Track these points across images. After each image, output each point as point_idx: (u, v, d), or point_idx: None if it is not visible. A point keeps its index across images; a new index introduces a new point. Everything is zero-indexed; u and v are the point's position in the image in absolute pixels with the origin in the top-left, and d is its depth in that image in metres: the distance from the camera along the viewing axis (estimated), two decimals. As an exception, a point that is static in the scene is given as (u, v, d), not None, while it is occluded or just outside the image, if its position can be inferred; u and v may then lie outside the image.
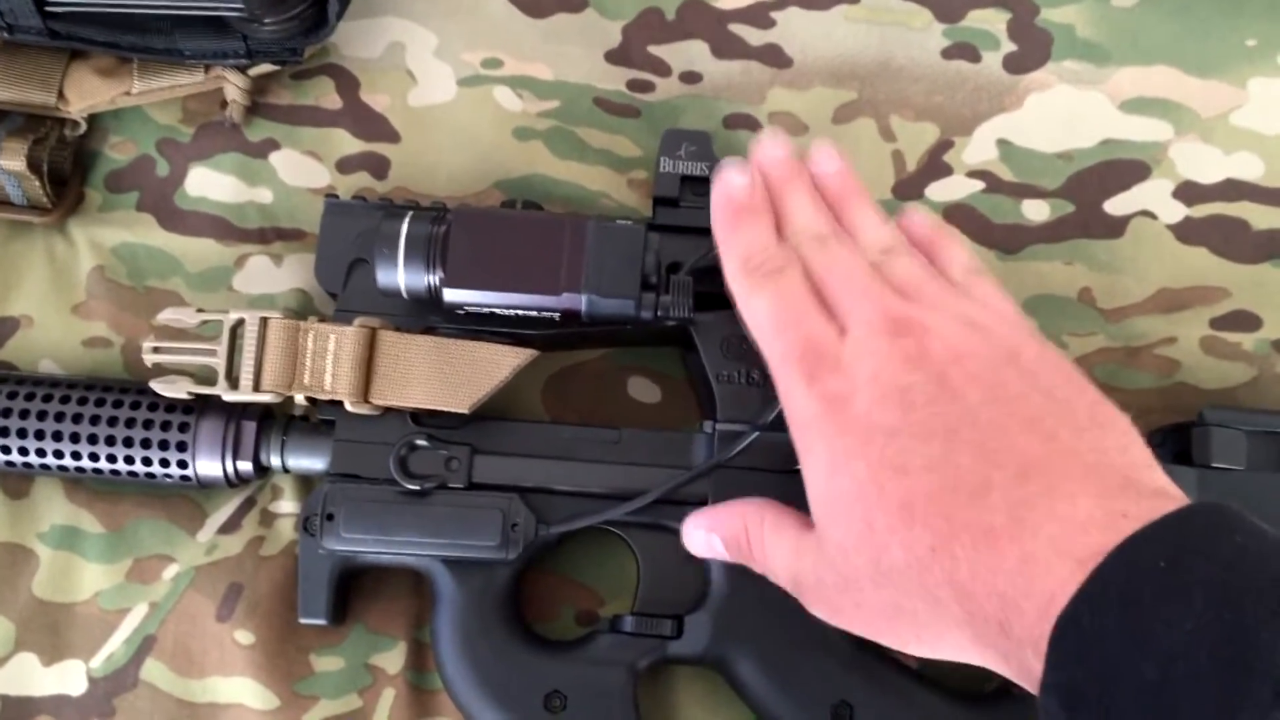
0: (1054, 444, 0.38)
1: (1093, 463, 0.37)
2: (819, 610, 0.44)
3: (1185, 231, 0.57)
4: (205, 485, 0.52)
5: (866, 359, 0.41)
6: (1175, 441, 0.53)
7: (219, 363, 0.51)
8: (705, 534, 0.48)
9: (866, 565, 0.40)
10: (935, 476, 0.38)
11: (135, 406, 0.51)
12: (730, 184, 0.47)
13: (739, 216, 0.47)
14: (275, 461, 0.52)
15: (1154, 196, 0.58)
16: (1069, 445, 0.38)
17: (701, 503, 0.50)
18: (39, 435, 0.51)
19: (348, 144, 0.58)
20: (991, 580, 0.36)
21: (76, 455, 0.51)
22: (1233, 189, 0.58)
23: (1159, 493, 0.37)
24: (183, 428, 0.51)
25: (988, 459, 0.38)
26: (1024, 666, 0.36)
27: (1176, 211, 0.58)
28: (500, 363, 0.50)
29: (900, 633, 0.41)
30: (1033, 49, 0.59)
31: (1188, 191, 0.58)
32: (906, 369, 0.41)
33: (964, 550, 0.37)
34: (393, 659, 0.54)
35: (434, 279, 0.49)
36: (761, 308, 0.44)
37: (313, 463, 0.52)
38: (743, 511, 0.46)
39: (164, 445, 0.51)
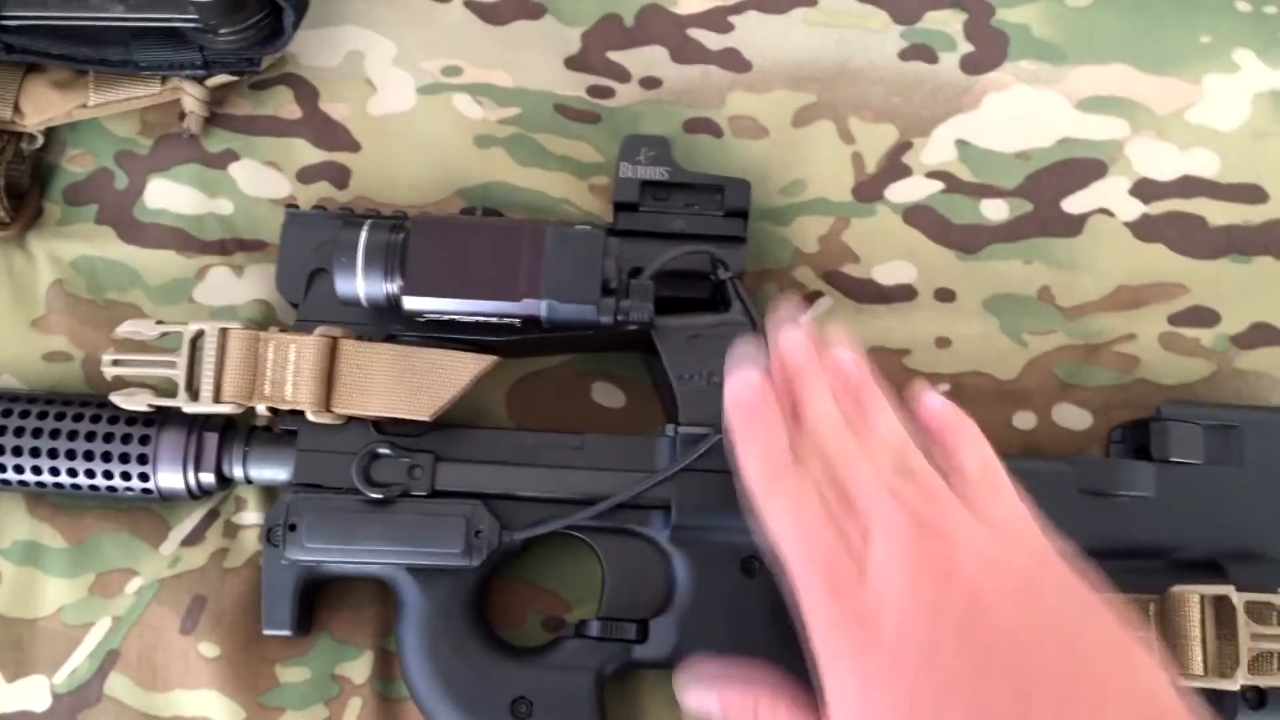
0: (1087, 666, 0.38)
1: (1126, 685, 0.37)
2: None
3: (1143, 229, 0.58)
4: (167, 498, 0.52)
5: (895, 574, 0.40)
6: (1135, 437, 0.53)
7: (179, 374, 0.51)
8: (704, 693, 0.46)
9: None
10: (971, 705, 0.37)
11: (95, 420, 0.51)
12: (746, 381, 0.46)
13: (754, 414, 0.45)
14: (238, 473, 0.52)
15: (1111, 194, 0.58)
16: (1101, 666, 0.38)
17: (665, 507, 0.50)
18: (-1, 450, 0.51)
19: (308, 154, 0.58)
20: None
21: (37, 470, 0.51)
22: (1189, 185, 0.58)
23: (1185, 714, 0.37)
24: (144, 440, 0.51)
25: (1025, 682, 0.37)
26: None
27: (1134, 209, 0.58)
28: (461, 370, 0.50)
29: None
30: (989, 49, 0.59)
31: (1144, 189, 0.58)
32: (935, 584, 0.39)
33: None
34: (359, 668, 0.54)
35: (393, 287, 0.49)
36: (783, 508, 0.43)
37: (275, 473, 0.52)
38: (754, 694, 0.44)
39: (125, 458, 0.51)
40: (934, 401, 0.47)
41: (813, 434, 0.44)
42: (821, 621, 0.41)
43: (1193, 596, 0.48)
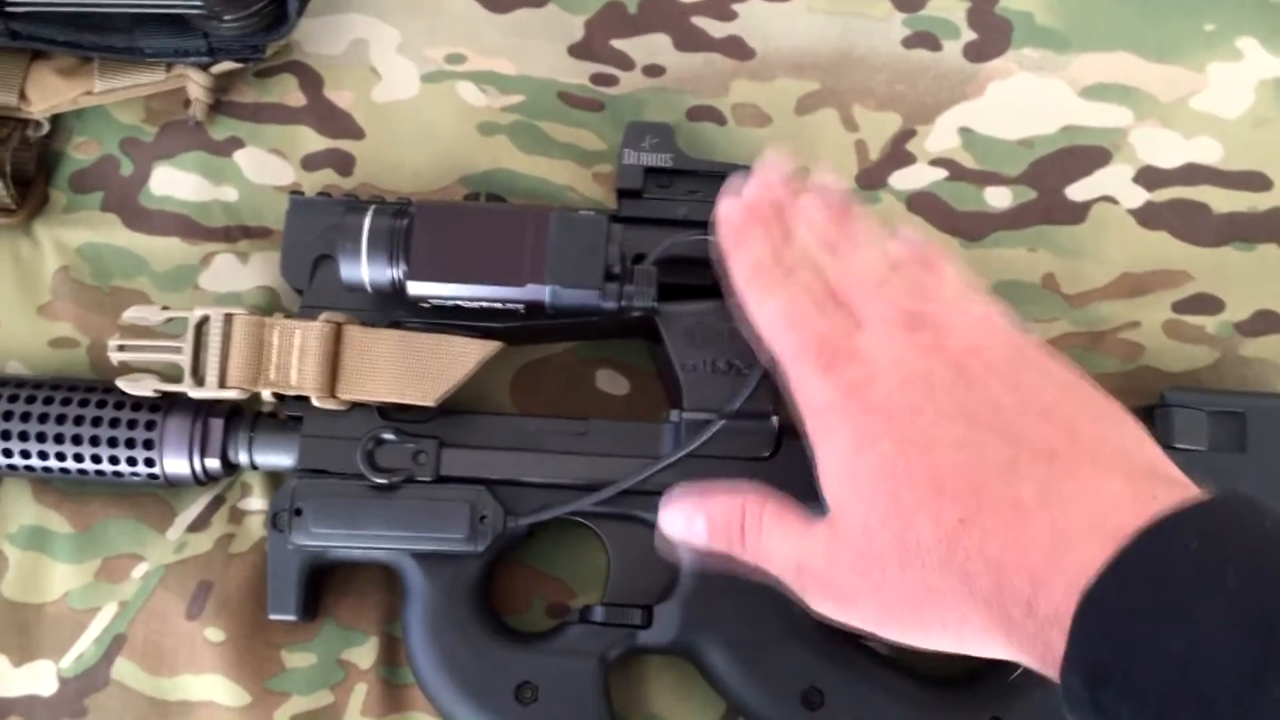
0: (1075, 431, 0.39)
1: (1115, 449, 0.38)
2: (827, 602, 0.42)
3: (1146, 216, 0.58)
4: (173, 483, 0.52)
5: (885, 348, 0.42)
6: (1138, 423, 0.53)
7: (185, 360, 0.51)
8: (688, 514, 0.46)
9: (892, 542, 0.39)
10: (962, 453, 0.38)
11: (101, 405, 0.51)
12: (733, 201, 0.48)
13: (746, 226, 0.47)
14: (243, 458, 0.52)
15: (1115, 182, 0.58)
16: (1090, 433, 0.39)
17: (669, 492, 0.50)
18: (5, 436, 0.51)
19: (312, 141, 0.58)
20: (1023, 555, 0.36)
21: (44, 455, 0.51)
22: (1193, 173, 0.58)
23: (1183, 483, 0.37)
24: (149, 426, 0.51)
25: (1013, 440, 0.38)
26: (1048, 648, 0.35)
27: (1137, 196, 0.58)
28: (466, 355, 0.51)
29: (925, 617, 0.40)
30: (993, 37, 0.59)
31: (1148, 176, 0.58)
32: (925, 357, 0.41)
33: (994, 524, 0.37)
34: (364, 654, 0.54)
35: (398, 272, 0.49)
36: (774, 307, 0.45)
37: (281, 459, 0.52)
38: (741, 497, 0.45)
39: (131, 444, 0.51)
40: (909, 231, 0.48)
41: (801, 247, 0.47)
42: (813, 396, 0.43)
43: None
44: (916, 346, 0.42)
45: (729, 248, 0.47)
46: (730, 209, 0.48)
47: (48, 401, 0.51)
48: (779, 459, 0.50)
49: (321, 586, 0.53)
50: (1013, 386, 0.40)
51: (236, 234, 0.57)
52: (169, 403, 0.52)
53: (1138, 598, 0.33)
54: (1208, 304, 0.57)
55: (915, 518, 0.38)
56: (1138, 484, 0.36)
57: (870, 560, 0.40)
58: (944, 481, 0.38)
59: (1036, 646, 0.36)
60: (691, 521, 0.46)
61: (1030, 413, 0.39)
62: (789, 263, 0.46)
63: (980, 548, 0.37)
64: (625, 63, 0.59)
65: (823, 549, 0.42)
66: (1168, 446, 0.51)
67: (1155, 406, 0.52)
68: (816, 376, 0.42)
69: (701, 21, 0.59)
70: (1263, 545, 0.33)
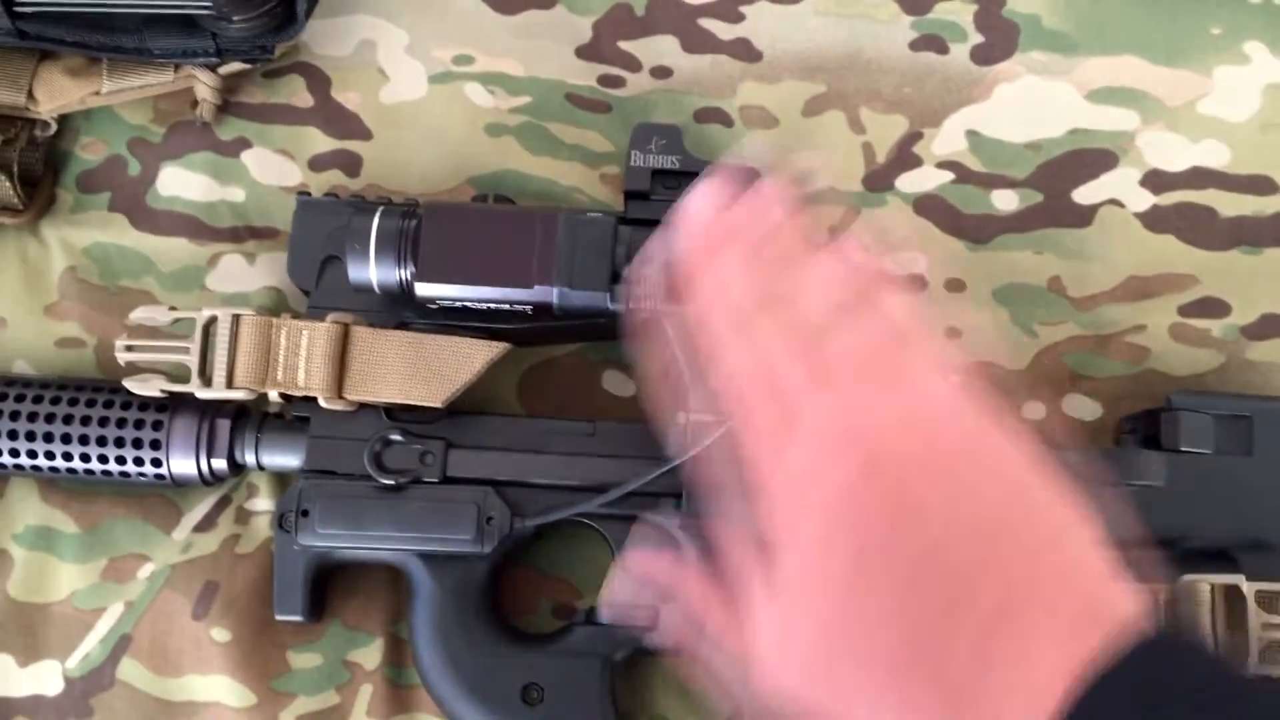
0: (1014, 562, 0.36)
1: (1053, 592, 0.35)
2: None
3: (1153, 220, 0.58)
4: (180, 484, 0.52)
5: (812, 480, 0.38)
6: (1145, 427, 0.53)
7: (192, 360, 0.51)
8: (637, 581, 0.45)
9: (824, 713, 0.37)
10: (900, 623, 0.36)
11: (109, 405, 0.51)
12: (710, 197, 0.44)
13: (720, 244, 0.42)
14: (250, 459, 0.52)
15: (1122, 185, 0.58)
16: (1028, 575, 0.36)
17: (676, 495, 0.50)
18: (12, 436, 0.51)
19: (320, 142, 0.58)
20: None
21: (50, 455, 0.51)
22: (1200, 177, 0.58)
23: (1115, 619, 0.35)
24: (156, 426, 0.51)
25: (951, 603, 0.35)
26: None
27: (1144, 200, 0.58)
28: (473, 357, 0.51)
29: None
30: (1000, 40, 0.59)
31: (1155, 180, 0.58)
32: (858, 484, 0.37)
33: (930, 705, 0.35)
34: (370, 655, 0.54)
35: (406, 273, 0.49)
36: (737, 366, 0.41)
37: (287, 459, 0.52)
38: (687, 604, 0.43)
39: (138, 444, 0.51)
40: (860, 247, 0.43)
41: (737, 300, 0.41)
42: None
43: (1203, 586, 0.48)
44: (847, 473, 0.37)
45: (696, 261, 0.42)
46: (702, 211, 0.43)
47: (54, 401, 0.51)
48: None
49: (327, 587, 0.54)
50: (950, 514, 0.36)
51: (244, 234, 0.58)
52: (176, 403, 0.52)
53: None
54: (1214, 307, 0.57)
55: (850, 697, 0.37)
56: (1076, 642, 0.34)
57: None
58: (878, 660, 0.36)
59: None
60: (640, 589, 0.45)
61: (970, 551, 0.36)
62: (751, 316, 0.41)
63: None
64: (633, 64, 0.59)
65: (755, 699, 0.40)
66: (1174, 450, 0.51)
67: (1162, 410, 0.52)
68: (759, 469, 0.39)
69: (709, 23, 0.59)
70: (1195, 702, 0.33)
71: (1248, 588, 0.47)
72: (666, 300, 0.44)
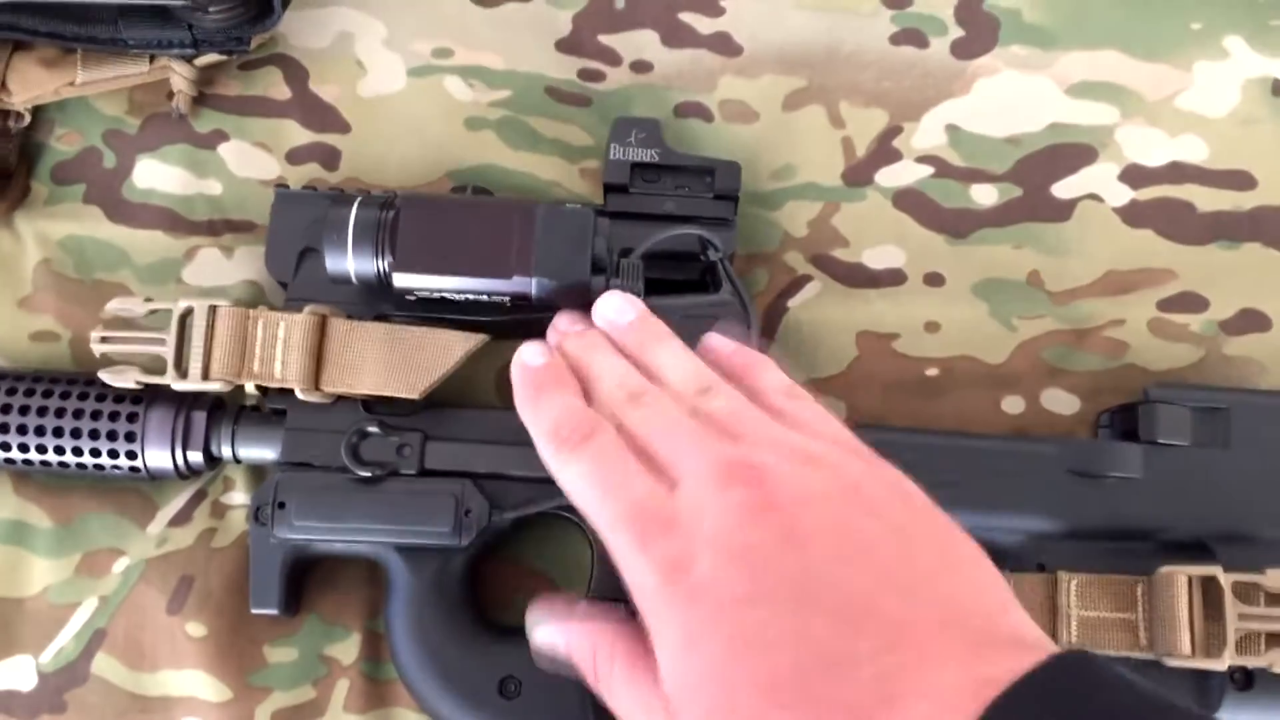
0: (912, 600, 0.35)
1: (951, 617, 0.35)
2: None
3: (1132, 214, 0.58)
4: (155, 477, 0.52)
5: (703, 516, 0.37)
6: (1123, 421, 0.53)
7: (168, 352, 0.50)
8: (551, 634, 0.44)
9: None
10: (798, 651, 0.35)
11: (83, 397, 0.51)
12: (527, 359, 0.45)
13: (540, 389, 0.44)
14: (226, 452, 0.52)
15: (1101, 180, 0.58)
16: (926, 598, 0.36)
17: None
18: (-14, 428, 0.51)
19: (297, 135, 0.58)
20: None
21: (24, 448, 0.51)
22: (1178, 172, 0.58)
23: (1018, 643, 0.35)
24: (131, 418, 0.51)
25: (848, 626, 0.35)
26: None
27: (1123, 194, 0.58)
28: (451, 348, 0.50)
29: None
30: (980, 34, 0.59)
31: (1134, 174, 0.58)
32: (748, 522, 0.37)
33: None
34: (347, 649, 0.54)
35: (383, 264, 0.49)
36: (580, 475, 0.40)
37: (264, 452, 0.51)
38: (594, 637, 0.42)
39: (113, 436, 0.51)
40: (717, 341, 0.46)
41: (603, 400, 0.43)
42: (635, 577, 0.38)
43: (1180, 577, 0.48)
44: (735, 509, 0.37)
45: (526, 415, 0.43)
46: (521, 371, 0.45)
47: (28, 394, 0.51)
48: None
49: (304, 581, 0.53)
50: (844, 551, 0.36)
51: (220, 228, 0.57)
52: (151, 395, 0.51)
53: None
54: (1192, 302, 0.57)
55: None
56: (974, 667, 0.33)
57: None
58: (781, 688, 0.35)
59: None
60: (554, 643, 0.44)
61: (864, 584, 0.36)
62: (590, 422, 0.41)
63: None
64: (613, 58, 0.59)
65: None
66: (1151, 442, 0.51)
67: (1139, 402, 0.52)
68: (634, 553, 0.38)
69: (689, 17, 0.59)
70: (1114, 707, 0.32)
71: (1225, 578, 0.47)
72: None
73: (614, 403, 0.42)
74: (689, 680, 0.36)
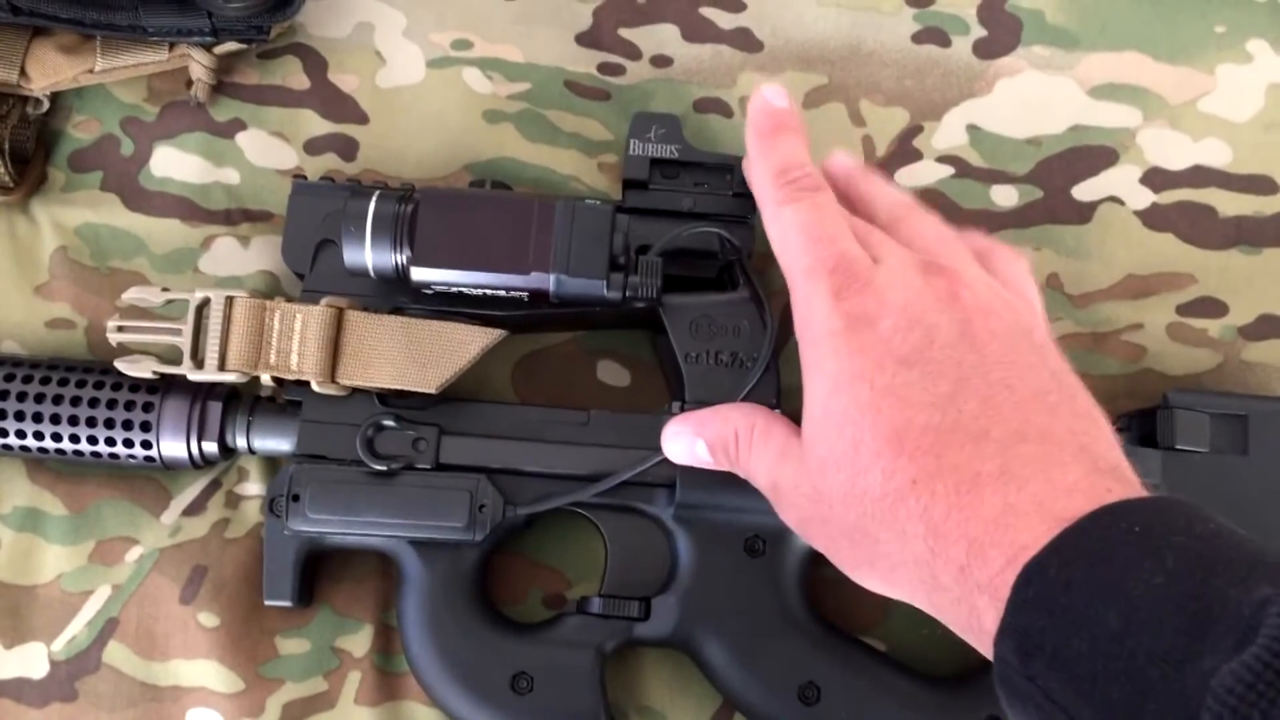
0: (1054, 418, 0.38)
1: (1086, 444, 0.38)
2: (789, 518, 0.44)
3: (1153, 218, 0.58)
4: (170, 466, 0.52)
5: (899, 286, 0.41)
6: (1141, 425, 0.53)
7: (184, 342, 0.50)
8: (690, 439, 0.47)
9: (843, 485, 0.40)
10: (936, 414, 0.38)
11: (99, 386, 0.51)
12: (770, 97, 0.48)
13: (780, 130, 0.47)
14: (241, 442, 0.52)
15: (1122, 182, 0.58)
16: (1067, 424, 0.38)
17: (669, 485, 0.50)
18: (1, 415, 0.50)
19: (315, 125, 0.58)
20: (965, 524, 0.36)
21: (39, 435, 0.51)
22: (1200, 175, 0.58)
23: (1140, 486, 0.37)
24: (147, 408, 0.51)
25: (992, 412, 0.38)
26: (973, 612, 0.36)
27: (1144, 198, 0.58)
28: (468, 343, 0.50)
29: (857, 557, 0.41)
30: (1002, 34, 0.59)
31: (1155, 178, 0.58)
32: (936, 306, 0.41)
33: (945, 490, 0.37)
34: (359, 642, 0.53)
35: (401, 258, 0.49)
36: (795, 218, 0.44)
37: (279, 444, 0.51)
38: (732, 416, 0.46)
39: (128, 425, 0.51)
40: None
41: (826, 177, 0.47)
42: (817, 322, 0.42)
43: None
44: (931, 292, 0.41)
45: (757, 147, 0.47)
46: (765, 106, 0.47)
47: (44, 382, 0.51)
48: None
49: (317, 573, 0.53)
50: (1008, 360, 0.40)
51: (237, 217, 0.57)
52: (167, 385, 0.51)
53: (1077, 573, 0.33)
54: (1212, 307, 0.57)
55: (869, 466, 0.39)
56: (1096, 478, 0.36)
57: (821, 495, 0.41)
58: (907, 439, 0.38)
59: (960, 612, 0.37)
60: (693, 446, 0.47)
61: (1017, 390, 0.39)
62: (817, 176, 0.46)
63: (924, 511, 0.37)
64: (633, 52, 0.59)
65: (791, 471, 0.43)
66: (1170, 448, 0.51)
67: (1158, 408, 0.52)
68: (824, 299, 0.42)
69: (710, 12, 0.59)
70: (1204, 537, 0.33)
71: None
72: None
73: (834, 180, 0.47)
74: (828, 416, 0.41)
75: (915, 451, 0.38)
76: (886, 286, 0.41)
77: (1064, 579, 0.33)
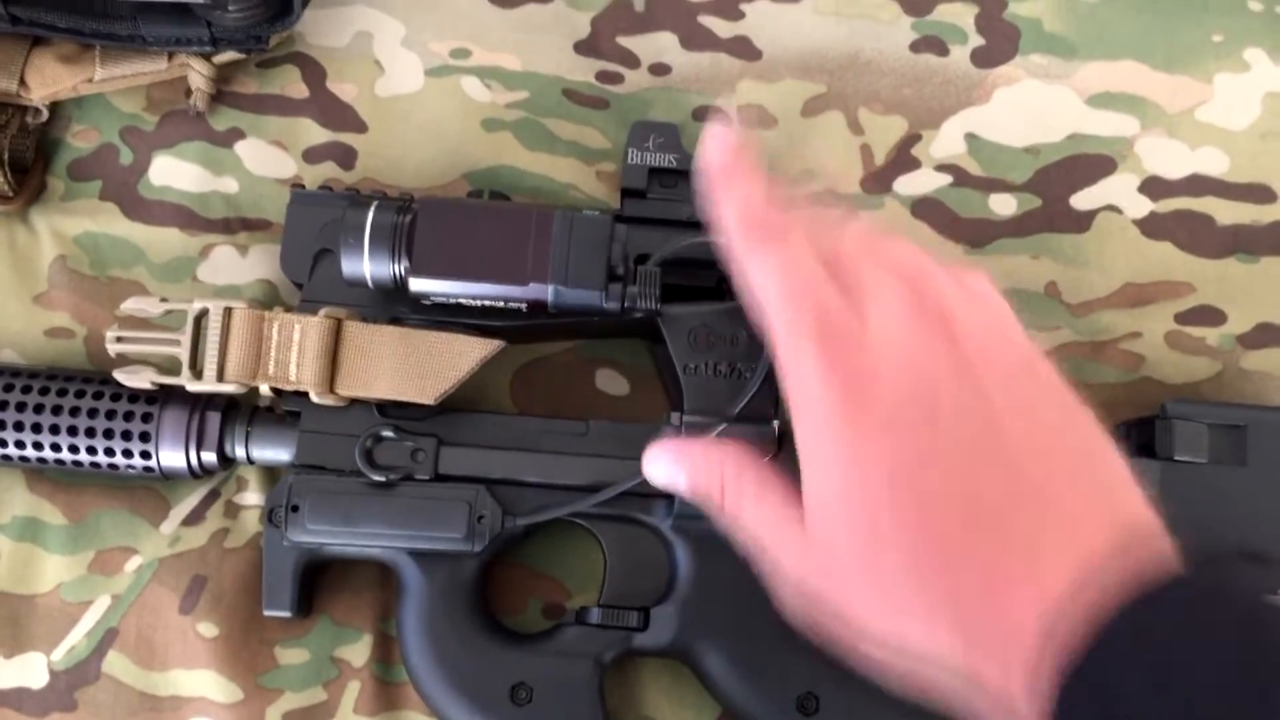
0: (1074, 470, 0.37)
1: (1105, 494, 0.37)
2: (788, 594, 0.41)
3: (1150, 226, 0.58)
4: (169, 476, 0.52)
5: (893, 341, 0.38)
6: (1139, 435, 0.53)
7: (183, 353, 0.50)
8: (671, 468, 0.44)
9: (862, 566, 0.37)
10: (956, 486, 0.36)
11: (98, 396, 0.51)
12: (719, 137, 0.43)
13: (733, 172, 0.43)
14: (240, 453, 0.52)
15: (1120, 191, 0.58)
16: (1085, 475, 0.37)
17: (668, 496, 0.50)
18: (0, 425, 0.51)
19: (314, 134, 0.58)
20: (999, 609, 0.35)
21: (38, 445, 0.51)
22: (1198, 184, 0.58)
23: (1161, 535, 0.36)
24: (146, 418, 0.51)
25: (1011, 474, 0.36)
26: (1005, 693, 0.35)
27: (1142, 206, 0.58)
28: (466, 354, 0.50)
29: (883, 629, 0.38)
30: (1000, 43, 0.59)
31: (1153, 186, 0.58)
32: (935, 355, 0.38)
33: (976, 574, 0.35)
34: (358, 652, 0.54)
35: (400, 268, 0.49)
36: (765, 268, 0.40)
37: (278, 454, 0.51)
38: (721, 460, 0.42)
39: (127, 436, 0.51)
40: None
41: (793, 210, 0.42)
42: (808, 389, 0.38)
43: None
44: (927, 339, 0.38)
45: (718, 189, 0.43)
46: (712, 151, 0.43)
47: (43, 391, 0.51)
48: (779, 463, 0.50)
49: (316, 583, 0.53)
50: (1020, 407, 0.37)
51: (236, 226, 0.57)
52: (166, 395, 0.51)
53: (1128, 669, 0.32)
54: (1210, 316, 0.57)
55: (891, 549, 0.37)
56: (1123, 541, 0.35)
57: (836, 575, 0.38)
58: (931, 519, 0.36)
59: (995, 688, 0.35)
60: (673, 476, 0.44)
61: (1032, 441, 0.37)
62: (784, 218, 0.41)
63: (953, 593, 0.36)
64: (631, 61, 0.59)
65: (794, 547, 0.40)
66: (1168, 458, 0.51)
67: (1156, 418, 0.52)
68: (813, 360, 0.38)
69: (709, 21, 0.59)
70: (1251, 616, 0.33)
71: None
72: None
73: (802, 211, 0.42)
74: (841, 497, 0.37)
75: (942, 533, 0.36)
76: (879, 343, 0.38)
77: (1115, 678, 0.32)
